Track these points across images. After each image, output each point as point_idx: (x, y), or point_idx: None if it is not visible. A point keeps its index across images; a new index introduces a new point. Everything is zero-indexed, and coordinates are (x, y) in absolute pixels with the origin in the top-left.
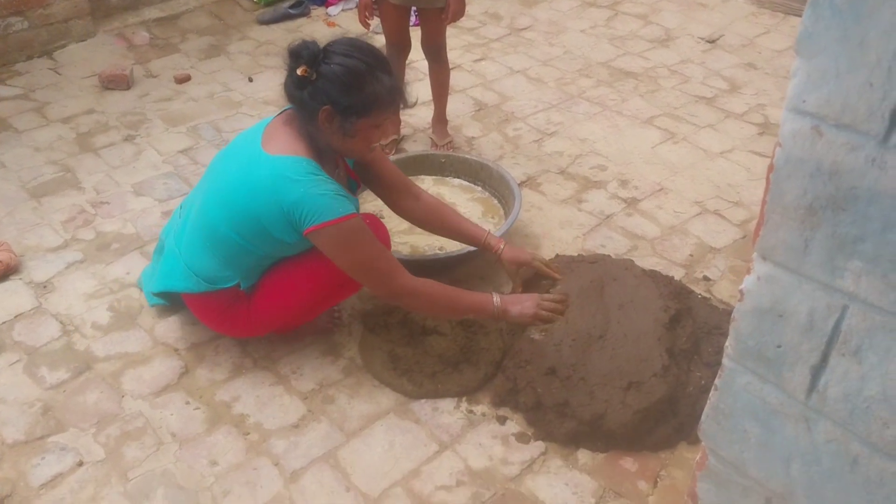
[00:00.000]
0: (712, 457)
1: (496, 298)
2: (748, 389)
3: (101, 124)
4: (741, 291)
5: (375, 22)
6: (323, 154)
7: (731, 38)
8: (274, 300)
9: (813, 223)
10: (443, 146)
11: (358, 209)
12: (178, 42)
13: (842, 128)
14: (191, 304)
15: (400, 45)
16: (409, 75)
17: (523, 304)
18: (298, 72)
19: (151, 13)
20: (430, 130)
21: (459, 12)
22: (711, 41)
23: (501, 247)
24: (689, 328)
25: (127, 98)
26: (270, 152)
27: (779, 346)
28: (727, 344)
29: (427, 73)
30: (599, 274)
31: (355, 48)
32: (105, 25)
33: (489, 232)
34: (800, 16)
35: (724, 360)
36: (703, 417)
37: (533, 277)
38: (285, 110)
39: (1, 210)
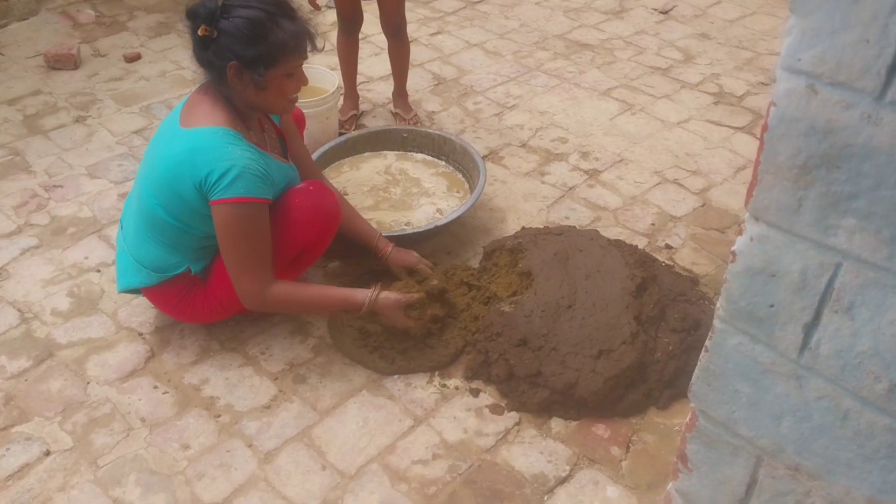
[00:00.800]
0: (702, 418)
1: (369, 296)
2: (739, 350)
3: (49, 105)
4: (733, 252)
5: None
6: (245, 117)
7: (683, 8)
8: (229, 283)
9: (806, 182)
10: (409, 119)
11: (283, 182)
12: (125, 20)
13: (837, 85)
14: (150, 298)
15: (353, 19)
16: (364, 49)
17: (392, 317)
18: (199, 32)
19: None
20: (392, 105)
21: None
22: (665, 12)
23: (389, 250)
24: (655, 295)
25: (75, 78)
26: (187, 126)
27: (771, 306)
28: (718, 305)
29: (385, 48)
30: (565, 245)
31: None
32: (48, 3)
33: (380, 235)
34: None
35: (715, 322)
36: (693, 379)
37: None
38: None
39: None
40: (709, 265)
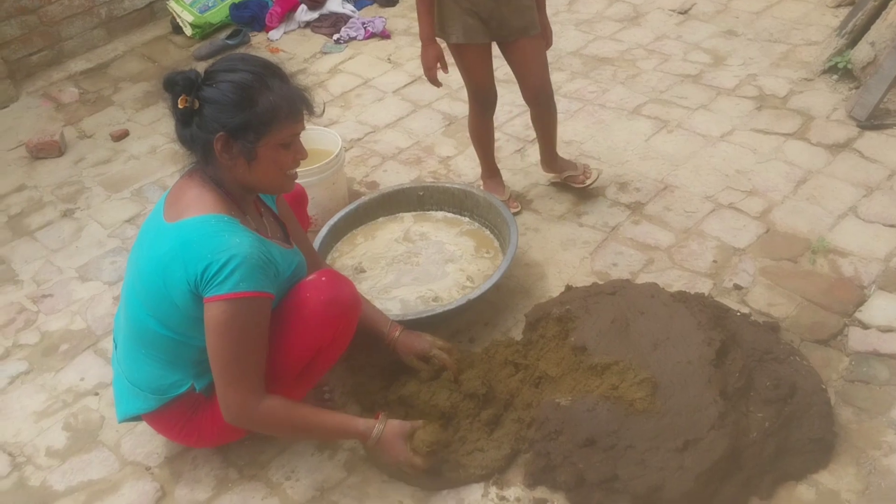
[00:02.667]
0: None
1: (375, 428)
2: None
3: (34, 201)
4: None
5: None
6: (239, 201)
7: (703, 5)
8: None
9: None
10: (582, 172)
11: (288, 271)
12: (110, 94)
13: None
14: (151, 424)
15: (488, 95)
16: (366, 95)
17: (395, 451)
18: (179, 104)
19: (77, 65)
20: (551, 175)
21: (551, 35)
22: (683, 12)
23: (396, 335)
24: (739, 360)
25: (60, 166)
26: (172, 220)
27: None
28: None
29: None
30: (622, 308)
31: (238, 60)
32: (28, 86)
33: (392, 322)
34: None
35: None
36: None
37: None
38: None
39: None
40: (787, 304)
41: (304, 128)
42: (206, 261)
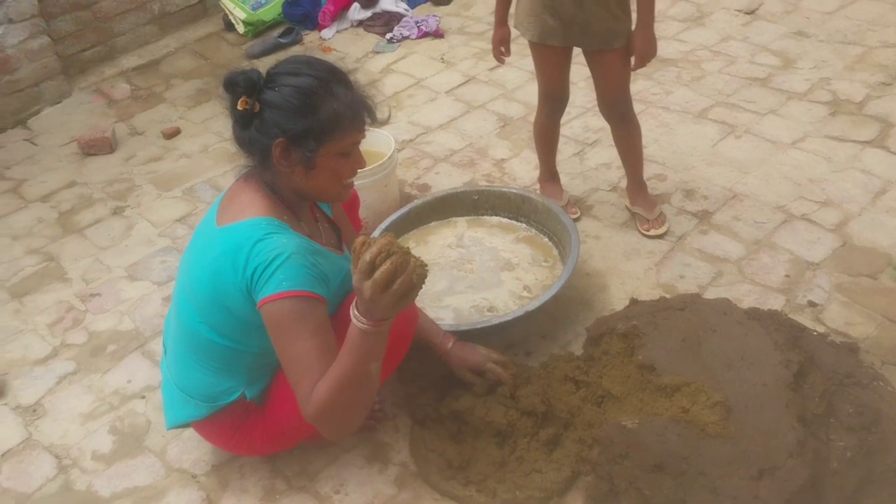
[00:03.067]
0: None
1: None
2: None
3: (84, 198)
4: None
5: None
6: (294, 207)
7: (771, 4)
8: (291, 404)
9: None
10: (653, 221)
11: (338, 278)
12: (162, 90)
13: None
14: (200, 432)
15: (562, 99)
16: (419, 95)
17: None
18: (238, 106)
19: (129, 61)
20: (628, 202)
21: (650, 52)
22: (750, 12)
23: (449, 346)
24: (819, 384)
25: (111, 163)
26: (224, 224)
27: None
28: None
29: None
30: (693, 325)
31: (303, 63)
32: (80, 82)
33: (444, 332)
34: None
35: None
36: None
37: None
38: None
39: None
40: (867, 324)
41: (364, 136)
42: (254, 263)
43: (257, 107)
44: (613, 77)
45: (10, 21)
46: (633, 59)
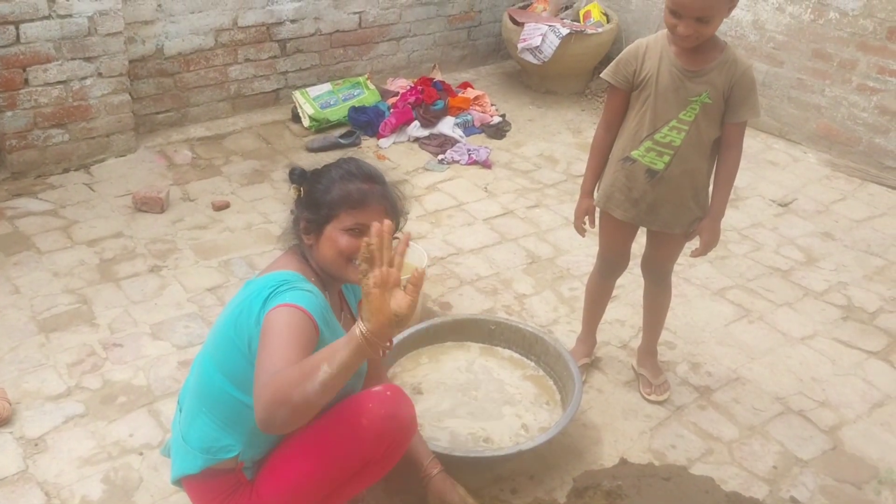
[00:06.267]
0: None
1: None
2: None
3: (127, 251)
4: None
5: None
6: (325, 283)
7: (804, 202)
8: (279, 486)
9: None
10: (656, 387)
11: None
12: (220, 164)
13: None
14: (189, 492)
15: (619, 264)
16: (456, 218)
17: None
18: (292, 191)
19: (197, 131)
20: (636, 362)
21: (713, 242)
22: (784, 204)
23: (433, 473)
24: None
25: (159, 223)
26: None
27: None
28: None
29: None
30: (675, 497)
31: (346, 160)
32: (147, 141)
33: (433, 458)
34: (877, 183)
35: None
36: None
37: None
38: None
39: (5, 344)
40: None
41: (373, 221)
42: (265, 294)
43: (302, 192)
44: (666, 251)
45: (100, 75)
46: (697, 246)
